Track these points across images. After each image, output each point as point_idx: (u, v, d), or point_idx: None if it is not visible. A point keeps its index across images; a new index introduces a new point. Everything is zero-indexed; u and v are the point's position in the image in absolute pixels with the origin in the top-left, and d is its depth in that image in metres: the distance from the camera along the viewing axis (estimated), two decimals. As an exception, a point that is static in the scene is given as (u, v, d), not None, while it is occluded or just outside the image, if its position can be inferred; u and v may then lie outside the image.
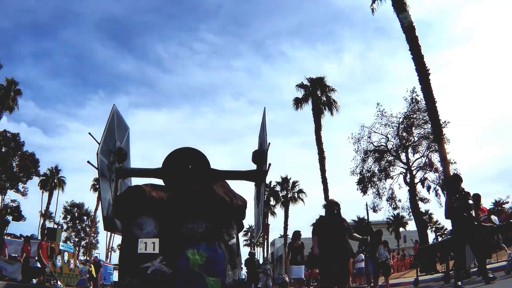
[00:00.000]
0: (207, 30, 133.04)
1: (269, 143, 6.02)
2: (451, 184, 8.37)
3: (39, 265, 14.96)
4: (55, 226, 50.45)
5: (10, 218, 18.02)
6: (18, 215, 24.43)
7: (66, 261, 20.09)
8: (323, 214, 8.28)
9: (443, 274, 11.25)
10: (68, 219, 62.87)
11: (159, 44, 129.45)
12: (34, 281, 14.68)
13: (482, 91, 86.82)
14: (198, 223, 5.20)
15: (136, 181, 6.83)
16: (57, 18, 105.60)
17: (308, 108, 35.09)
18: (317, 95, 35.27)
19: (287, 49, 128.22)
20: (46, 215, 53.92)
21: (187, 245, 5.08)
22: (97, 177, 5.80)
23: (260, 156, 6.27)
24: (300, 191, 48.28)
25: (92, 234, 61.47)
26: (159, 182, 6.17)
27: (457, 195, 7.61)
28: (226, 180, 6.05)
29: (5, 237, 15.46)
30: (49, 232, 19.85)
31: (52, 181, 55.14)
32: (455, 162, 23.92)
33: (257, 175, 6.24)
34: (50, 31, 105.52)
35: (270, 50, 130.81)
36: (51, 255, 16.51)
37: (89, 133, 5.84)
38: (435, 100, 19.18)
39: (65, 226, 61.82)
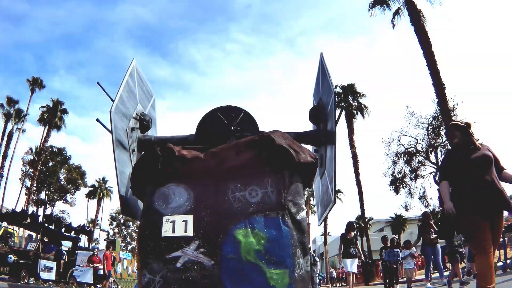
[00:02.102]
0: (238, 30, 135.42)
1: (336, 86, 4.20)
2: None
3: (102, 272, 17.31)
4: (100, 231, 53.18)
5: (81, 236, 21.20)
6: (90, 236, 27.68)
7: (125, 267, 24.71)
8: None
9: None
10: (114, 225, 67.96)
11: (192, 48, 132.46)
12: (99, 286, 17.52)
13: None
14: (250, 189, 3.51)
15: None
16: (89, 28, 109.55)
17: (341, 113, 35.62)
18: (349, 102, 36.58)
19: (321, 45, 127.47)
20: (94, 222, 57.20)
21: (236, 222, 3.38)
22: (111, 142, 4.22)
23: (321, 111, 4.71)
24: (338, 191, 49.24)
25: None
26: None
27: None
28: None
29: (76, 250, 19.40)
30: (110, 243, 23.04)
31: (101, 192, 59.22)
32: None
33: (323, 135, 4.66)
34: (83, 41, 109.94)
35: (304, 47, 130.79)
36: (113, 263, 18.60)
37: (98, 83, 4.48)
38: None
39: (111, 232, 65.81)
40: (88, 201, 59.66)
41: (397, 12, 27.21)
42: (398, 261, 13.14)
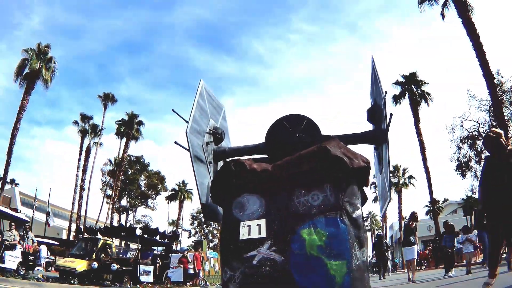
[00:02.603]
0: (299, 20, 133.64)
1: (386, 92, 4.85)
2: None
3: (192, 271, 20.91)
4: (182, 231, 55.17)
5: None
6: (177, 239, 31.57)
7: (212, 265, 26.51)
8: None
9: None
10: (195, 224, 70.70)
11: (255, 41, 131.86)
12: (189, 283, 20.98)
13: None
14: (312, 194, 4.09)
15: None
16: (148, 33, 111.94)
17: (405, 102, 38.60)
18: (412, 90, 38.48)
19: (382, 26, 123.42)
20: (177, 224, 60.64)
21: (301, 223, 3.97)
22: (190, 159, 4.92)
23: (376, 112, 5.13)
24: (411, 176, 52.81)
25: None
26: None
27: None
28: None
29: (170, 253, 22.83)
30: (197, 244, 28.56)
31: (181, 194, 61.13)
32: None
33: (377, 135, 5.09)
34: (144, 46, 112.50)
35: (365, 30, 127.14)
36: (201, 262, 22.12)
37: (173, 110, 5.06)
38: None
39: (193, 232, 68.70)
40: (168, 203, 62.19)
41: (445, 5, 28.81)
42: (453, 246, 13.76)
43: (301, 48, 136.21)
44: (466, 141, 30.39)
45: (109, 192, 51.52)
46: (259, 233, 4.05)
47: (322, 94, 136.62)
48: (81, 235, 22.21)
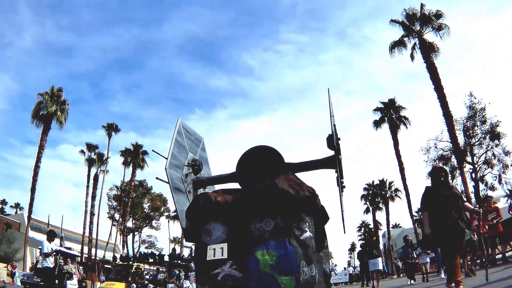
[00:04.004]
0: (288, 30, 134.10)
1: (334, 125, 5.64)
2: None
3: None
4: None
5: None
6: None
7: None
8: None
9: None
10: None
11: (245, 54, 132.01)
12: None
13: None
14: (265, 221, 4.88)
15: (221, 187, 6.61)
16: (139, 50, 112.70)
17: (386, 126, 42.78)
18: (391, 116, 42.60)
19: (371, 32, 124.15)
20: (182, 243, 62.05)
21: (256, 246, 4.77)
22: (170, 191, 5.69)
23: (329, 140, 5.81)
24: (397, 189, 55.99)
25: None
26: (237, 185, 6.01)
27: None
28: (297, 173, 5.71)
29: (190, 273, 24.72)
30: None
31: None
32: None
33: (331, 162, 5.79)
34: (136, 63, 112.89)
35: (355, 37, 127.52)
36: None
37: (153, 150, 5.94)
38: None
39: (194, 248, 69.81)
40: (168, 222, 65.00)
41: (413, 48, 33.50)
42: (411, 258, 15.72)
43: (292, 58, 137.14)
44: (440, 161, 32.09)
45: (116, 215, 53.84)
46: (222, 255, 4.85)
47: (314, 103, 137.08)
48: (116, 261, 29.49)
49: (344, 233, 6.33)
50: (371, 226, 65.38)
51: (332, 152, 5.84)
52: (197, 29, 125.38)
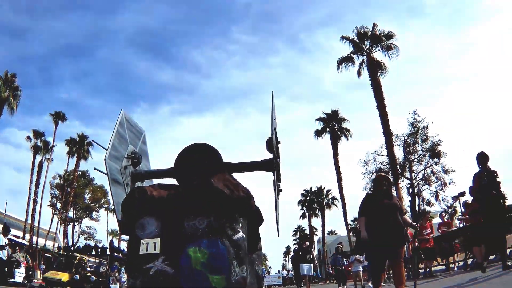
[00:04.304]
0: (240, 31, 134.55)
1: (275, 129, 5.75)
2: (478, 161, 8.38)
3: None
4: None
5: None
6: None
7: None
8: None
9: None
10: None
11: (194, 51, 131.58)
12: None
13: None
14: (198, 219, 4.94)
15: (159, 181, 6.57)
16: (91, 38, 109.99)
17: (327, 136, 44.85)
18: (333, 127, 44.51)
19: (323, 39, 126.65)
20: (113, 233, 65.15)
21: (189, 243, 4.83)
22: (108, 182, 5.70)
23: (269, 144, 5.97)
24: (334, 198, 58.46)
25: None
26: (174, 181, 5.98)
27: (484, 172, 7.90)
28: (234, 173, 5.80)
29: None
30: None
31: None
32: (454, 171, 30.88)
33: (269, 165, 5.91)
34: (86, 51, 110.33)
35: (306, 43, 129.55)
36: None
37: (93, 140, 6.09)
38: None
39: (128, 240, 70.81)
40: (107, 214, 65.49)
41: (361, 65, 34.84)
42: (342, 265, 16.75)
43: (240, 58, 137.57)
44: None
45: (58, 204, 53.47)
46: (155, 249, 4.87)
47: (258, 105, 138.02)
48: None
49: (278, 236, 6.36)
50: (307, 231, 66.93)
51: (271, 155, 5.95)
52: (150, 22, 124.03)
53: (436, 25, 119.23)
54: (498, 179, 8.18)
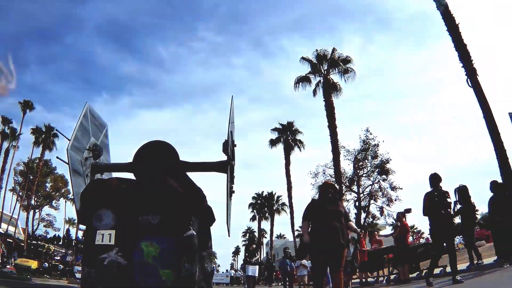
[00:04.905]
0: (206, 29, 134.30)
1: (231, 132, 5.95)
2: (430, 182, 8.82)
3: None
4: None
5: None
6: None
7: None
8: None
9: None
10: None
11: (159, 45, 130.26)
12: None
13: None
14: (152, 215, 5.14)
15: (117, 175, 6.68)
16: (60, 23, 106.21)
17: (280, 146, 45.84)
18: (287, 138, 45.94)
19: (287, 44, 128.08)
20: (70, 222, 63.57)
21: (142, 237, 5.04)
22: (69, 172, 5.86)
23: (225, 146, 6.18)
24: (284, 204, 59.14)
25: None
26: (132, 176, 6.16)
27: (435, 193, 8.31)
28: (190, 172, 6.02)
29: None
30: None
31: None
32: (401, 188, 31.77)
33: (224, 166, 6.12)
34: (54, 36, 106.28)
35: (270, 46, 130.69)
36: None
37: (56, 130, 7.06)
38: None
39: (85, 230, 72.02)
40: (65, 202, 64.13)
41: (317, 85, 35.53)
42: (288, 269, 17.23)
43: (204, 56, 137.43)
44: None
45: (20, 192, 53.87)
46: (110, 241, 5.07)
47: (217, 104, 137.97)
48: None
49: (229, 236, 6.42)
50: (256, 233, 67.94)
51: (225, 157, 6.14)
52: (119, 12, 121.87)
53: (402, 40, 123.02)
54: (449, 199, 8.54)
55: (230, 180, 6.10)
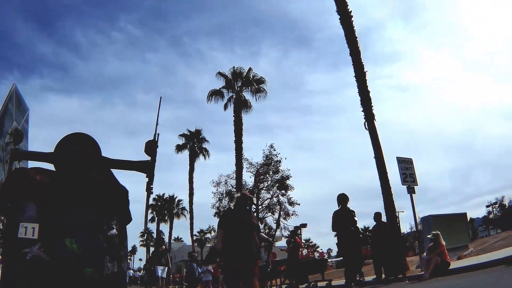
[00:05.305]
0: (127, 20, 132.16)
1: (158, 134, 6.01)
2: (338, 201, 10.27)
3: None
4: None
5: None
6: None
7: None
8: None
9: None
10: None
11: (78, 30, 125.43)
12: None
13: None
14: (78, 211, 5.06)
15: (33, 164, 6.34)
16: None
17: (186, 152, 48.09)
18: (193, 145, 47.99)
19: (204, 48, 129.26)
20: None
21: (66, 234, 4.92)
22: None
23: (150, 147, 6.15)
24: (183, 208, 62.23)
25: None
26: (51, 166, 5.88)
27: (342, 211, 9.71)
28: (112, 169, 5.91)
29: None
30: None
31: None
32: (298, 204, 34.40)
33: (147, 166, 6.09)
34: None
35: (187, 47, 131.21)
36: None
37: None
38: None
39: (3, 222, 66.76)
40: None
41: (229, 100, 38.68)
42: (195, 273, 18.20)
43: (120, 48, 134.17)
44: (226, 196, 37.58)
45: None
46: (33, 235, 4.86)
47: (127, 98, 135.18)
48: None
49: (145, 235, 6.47)
50: (154, 234, 69.10)
51: (146, 157, 6.13)
52: None
53: (319, 60, 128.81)
54: (355, 218, 10.01)
55: (150, 180, 6.06)
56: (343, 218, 10.02)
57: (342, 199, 10.27)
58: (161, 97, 6.54)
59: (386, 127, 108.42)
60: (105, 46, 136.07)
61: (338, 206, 10.20)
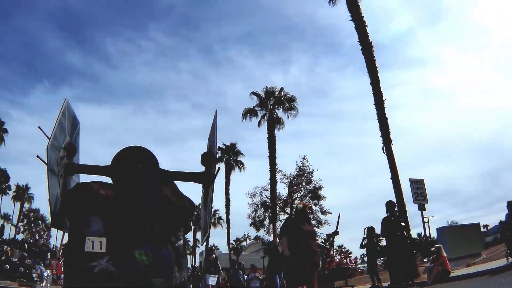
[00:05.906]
0: (157, 29, 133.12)
1: (219, 146, 6.59)
2: (386, 208, 10.81)
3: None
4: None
5: None
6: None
7: None
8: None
9: None
10: (25, 222, 77.66)
11: (108, 39, 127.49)
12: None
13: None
14: (144, 223, 5.13)
15: (84, 178, 6.56)
16: (11, 2, 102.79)
17: (222, 165, 48.50)
18: (229, 158, 49.56)
19: (235, 55, 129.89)
20: (6, 218, 68.15)
21: (134, 246, 5.00)
22: (46, 172, 5.41)
23: (209, 158, 6.24)
24: (220, 218, 64.40)
25: (45, 237, 77.97)
26: (108, 180, 5.90)
27: (392, 218, 10.27)
28: (174, 181, 5.97)
29: None
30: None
31: (23, 195, 71.55)
32: (330, 213, 34.07)
33: (205, 177, 6.15)
34: (2, 14, 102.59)
35: (218, 55, 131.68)
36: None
37: (39, 127, 5.65)
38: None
39: (22, 229, 76.17)
40: (1, 197, 68.03)
41: (263, 117, 40.51)
42: (241, 280, 18.40)
43: (151, 57, 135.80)
44: (262, 206, 38.76)
45: None
46: (100, 248, 4.94)
47: (159, 107, 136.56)
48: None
49: (202, 244, 7.19)
50: (190, 243, 69.80)
51: (202, 168, 6.20)
52: (72, 1, 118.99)
53: (349, 66, 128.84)
54: (402, 223, 10.70)
55: (210, 191, 6.08)
56: (390, 224, 10.32)
57: (390, 206, 10.73)
58: (216, 110, 6.49)
59: (414, 131, 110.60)
60: (136, 56, 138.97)
61: (386, 213, 10.66)
